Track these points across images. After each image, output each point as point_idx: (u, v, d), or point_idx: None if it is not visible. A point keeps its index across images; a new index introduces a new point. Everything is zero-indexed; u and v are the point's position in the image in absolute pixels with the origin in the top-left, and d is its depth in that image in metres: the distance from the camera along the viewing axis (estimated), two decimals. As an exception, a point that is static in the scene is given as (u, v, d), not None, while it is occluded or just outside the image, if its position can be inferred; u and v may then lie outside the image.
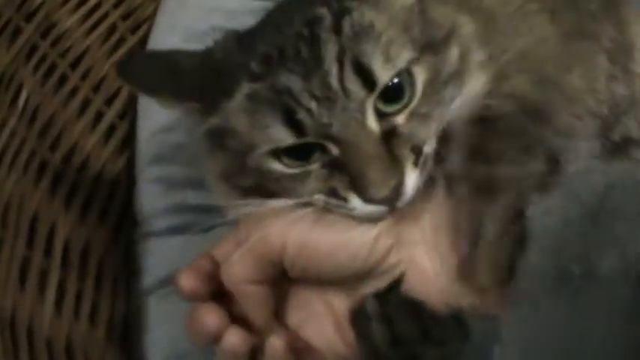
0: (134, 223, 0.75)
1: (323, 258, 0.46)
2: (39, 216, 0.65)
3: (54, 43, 0.76)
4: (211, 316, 0.46)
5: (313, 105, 0.42)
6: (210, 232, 0.65)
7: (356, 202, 0.44)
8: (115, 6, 0.86)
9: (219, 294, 0.48)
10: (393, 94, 0.44)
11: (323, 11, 0.44)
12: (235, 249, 0.47)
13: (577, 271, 0.39)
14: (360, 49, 0.43)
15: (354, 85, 0.42)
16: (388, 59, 0.43)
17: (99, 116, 0.80)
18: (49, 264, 0.64)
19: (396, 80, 0.44)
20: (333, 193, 0.45)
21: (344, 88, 0.42)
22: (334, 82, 0.42)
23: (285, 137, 0.43)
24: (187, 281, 0.47)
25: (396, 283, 0.45)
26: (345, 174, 0.44)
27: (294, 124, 0.43)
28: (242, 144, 0.46)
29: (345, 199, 0.44)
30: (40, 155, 0.69)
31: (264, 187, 0.47)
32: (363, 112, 0.43)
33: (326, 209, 0.46)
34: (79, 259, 0.69)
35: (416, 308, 0.44)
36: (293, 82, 0.42)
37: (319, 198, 0.46)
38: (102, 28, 0.83)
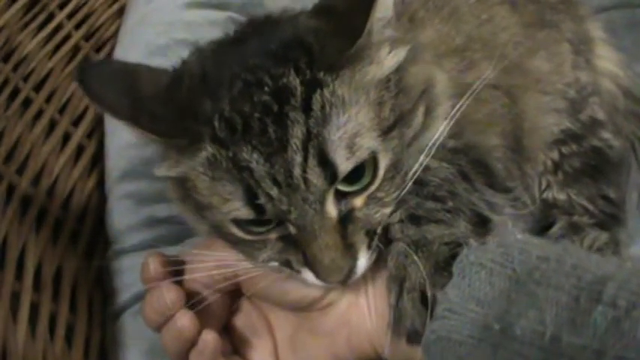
0: (107, 241, 0.75)
1: (274, 292, 0.49)
2: (8, 240, 0.64)
3: (15, 67, 0.76)
4: (170, 294, 0.48)
5: (274, 192, 0.42)
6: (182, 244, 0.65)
7: (309, 277, 0.45)
8: (77, 27, 0.86)
9: None
10: (355, 174, 0.43)
11: (294, 82, 0.42)
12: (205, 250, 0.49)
13: (496, 326, 0.40)
14: (325, 137, 0.41)
15: (316, 177, 0.42)
16: (352, 151, 0.42)
17: (66, 137, 0.80)
18: (20, 287, 0.63)
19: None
20: (287, 264, 0.46)
21: (305, 180, 0.42)
22: (297, 171, 0.41)
23: (245, 214, 0.43)
24: (154, 264, 0.49)
25: None
26: (301, 252, 0.44)
27: (255, 205, 0.43)
28: (203, 200, 0.45)
29: (298, 272, 0.45)
30: (7, 179, 0.68)
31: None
32: (322, 202, 0.43)
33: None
34: (52, 280, 0.68)
35: None
36: (255, 162, 0.41)
37: (274, 265, 0.46)
38: (65, 49, 0.84)
